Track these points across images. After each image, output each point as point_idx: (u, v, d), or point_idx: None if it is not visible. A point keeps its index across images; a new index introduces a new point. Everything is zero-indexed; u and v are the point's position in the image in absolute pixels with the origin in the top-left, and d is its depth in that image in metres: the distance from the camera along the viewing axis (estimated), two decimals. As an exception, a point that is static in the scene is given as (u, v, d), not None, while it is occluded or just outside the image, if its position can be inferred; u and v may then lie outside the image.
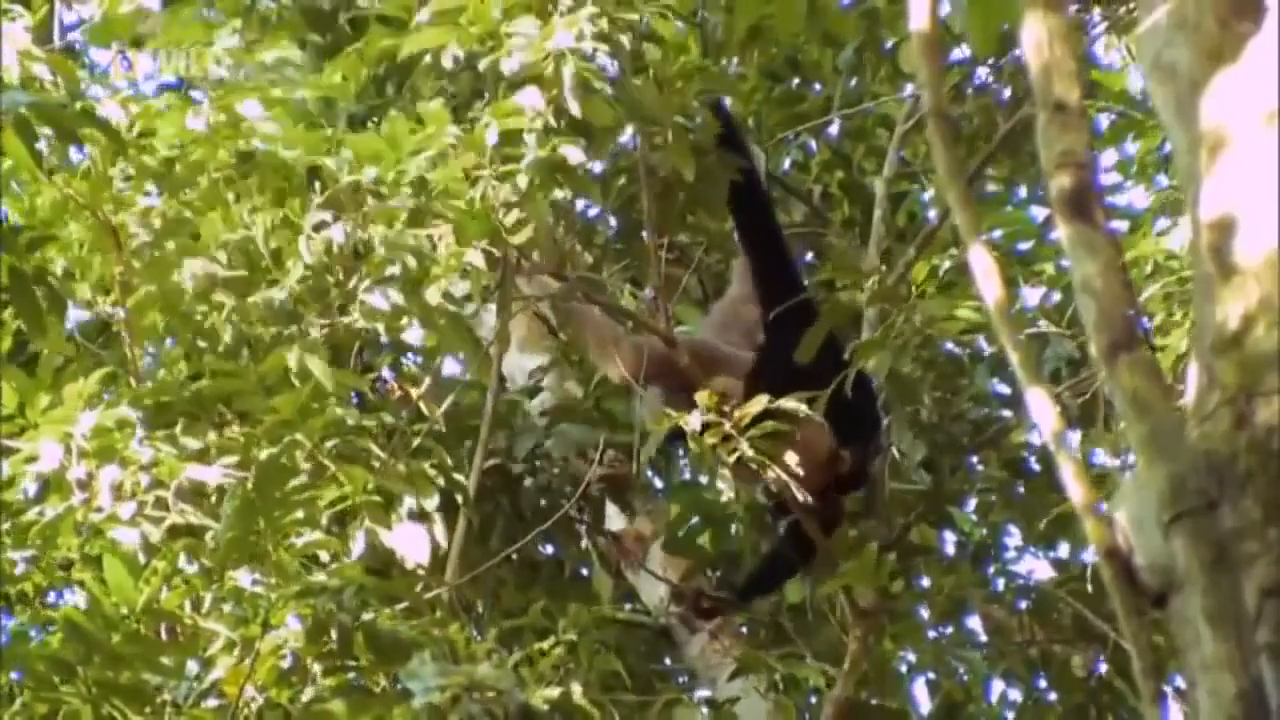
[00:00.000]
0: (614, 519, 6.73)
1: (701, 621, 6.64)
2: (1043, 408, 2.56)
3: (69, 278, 5.18)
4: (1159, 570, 2.47)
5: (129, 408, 4.80)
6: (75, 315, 5.55)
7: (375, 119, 5.56)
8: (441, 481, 5.20)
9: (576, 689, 4.52)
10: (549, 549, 6.74)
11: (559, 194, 5.09)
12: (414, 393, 6.28)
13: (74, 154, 5.20)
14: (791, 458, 5.59)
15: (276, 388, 4.87)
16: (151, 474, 4.72)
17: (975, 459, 6.71)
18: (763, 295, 6.26)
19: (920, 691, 7.05)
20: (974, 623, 6.91)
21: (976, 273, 2.59)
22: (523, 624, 5.64)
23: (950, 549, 6.93)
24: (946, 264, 6.06)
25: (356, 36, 5.86)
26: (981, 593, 6.78)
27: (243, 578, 4.60)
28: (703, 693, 6.68)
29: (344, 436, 4.93)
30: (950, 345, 6.26)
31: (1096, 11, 6.77)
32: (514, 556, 6.40)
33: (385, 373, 7.09)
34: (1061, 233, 2.57)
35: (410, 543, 5.02)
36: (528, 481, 6.37)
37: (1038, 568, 8.19)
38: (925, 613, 6.78)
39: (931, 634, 6.73)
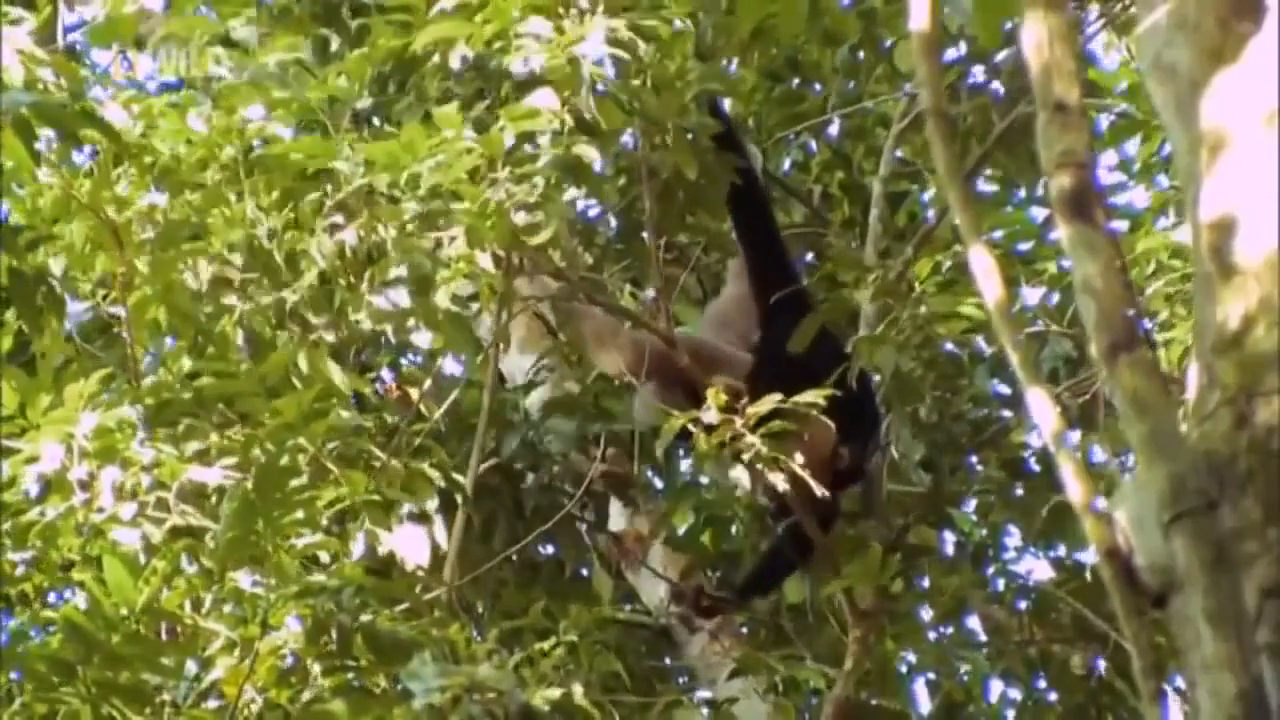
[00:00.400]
0: (615, 518, 6.73)
1: (701, 621, 6.65)
2: (1043, 408, 2.56)
3: (71, 279, 5.18)
4: (1159, 570, 2.47)
5: (129, 407, 4.80)
6: (75, 313, 5.54)
7: (382, 116, 5.54)
8: (441, 481, 5.20)
9: (578, 690, 4.52)
10: (549, 549, 6.74)
11: (572, 193, 5.08)
12: (413, 393, 6.28)
13: (76, 153, 5.20)
14: (798, 456, 5.59)
15: (277, 389, 4.87)
16: (153, 475, 4.72)
17: (975, 459, 6.71)
18: (760, 294, 6.26)
19: (920, 691, 7.06)
20: (973, 623, 6.92)
21: (977, 272, 2.59)
22: (523, 625, 5.63)
23: (950, 549, 6.93)
24: (947, 263, 6.06)
25: (360, 32, 5.85)
26: (981, 593, 6.78)
27: (243, 579, 4.59)
28: (703, 693, 6.68)
29: (344, 439, 4.93)
30: (950, 345, 6.26)
31: (1094, 9, 6.76)
32: (514, 557, 6.40)
33: (385, 373, 7.10)
34: (1061, 233, 2.57)
35: (410, 544, 5.01)
36: (528, 479, 6.37)
37: (1037, 568, 8.19)
38: (925, 613, 6.78)
39: (932, 634, 6.73)
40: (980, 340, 6.37)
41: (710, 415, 5.48)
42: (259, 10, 6.10)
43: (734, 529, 6.97)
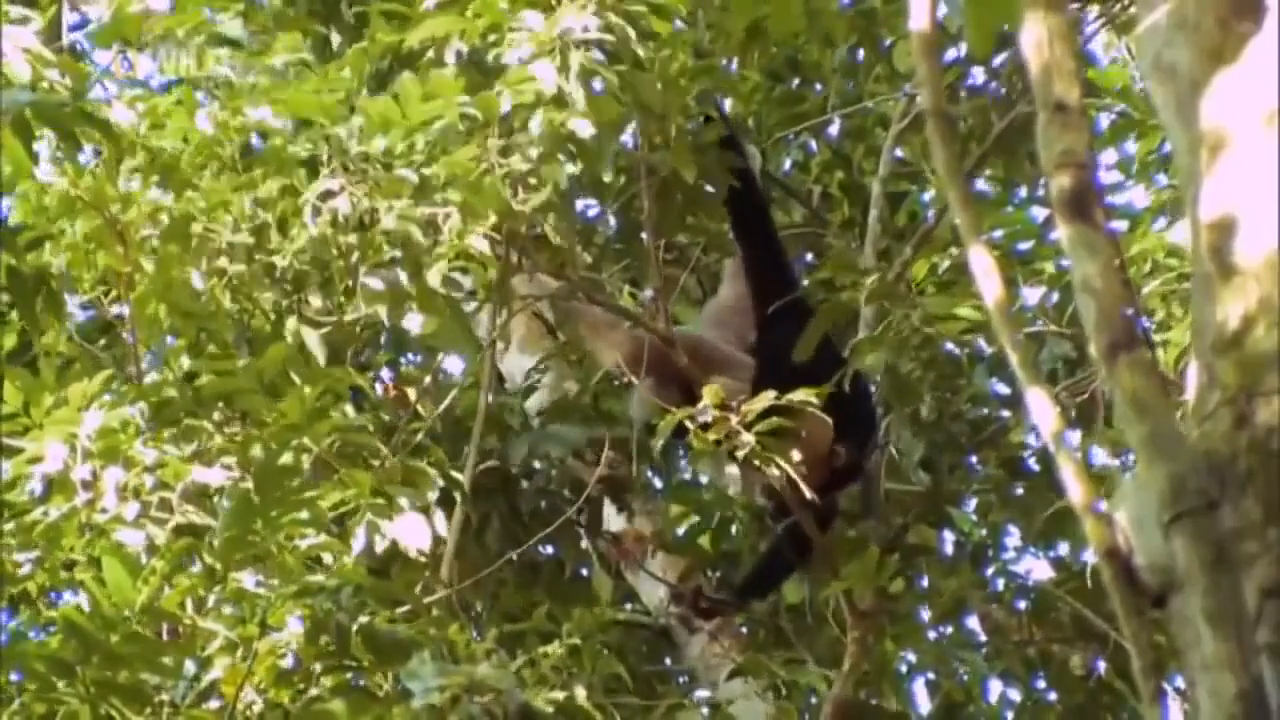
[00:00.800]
0: (613, 519, 6.73)
1: (701, 621, 6.64)
2: (1042, 408, 2.56)
3: (73, 279, 5.17)
4: (1159, 570, 2.47)
5: (131, 405, 4.80)
6: (75, 309, 5.54)
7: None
8: (439, 480, 5.19)
9: (580, 692, 4.52)
10: (549, 549, 6.73)
11: (570, 169, 5.07)
12: (411, 394, 6.28)
13: (80, 152, 5.20)
14: (795, 455, 5.59)
15: (276, 385, 4.87)
16: (156, 475, 4.71)
17: (974, 459, 6.71)
18: (758, 294, 6.26)
19: (920, 692, 7.06)
20: (973, 623, 6.92)
21: (976, 272, 2.59)
22: (526, 628, 5.63)
23: (949, 549, 6.93)
24: (945, 263, 6.06)
25: (359, 28, 5.85)
26: (981, 593, 6.78)
27: (246, 579, 4.59)
28: (702, 694, 6.68)
29: (347, 436, 4.92)
30: (950, 345, 6.26)
31: (1093, 9, 6.76)
32: (514, 558, 6.40)
33: (384, 373, 7.10)
34: (1061, 233, 2.57)
35: (411, 531, 4.99)
36: (525, 483, 6.36)
37: (1037, 568, 8.18)
38: (925, 613, 6.77)
39: (931, 634, 6.73)
40: (980, 340, 6.37)
41: (704, 412, 5.48)
42: (257, 9, 6.10)
43: (733, 529, 6.97)
